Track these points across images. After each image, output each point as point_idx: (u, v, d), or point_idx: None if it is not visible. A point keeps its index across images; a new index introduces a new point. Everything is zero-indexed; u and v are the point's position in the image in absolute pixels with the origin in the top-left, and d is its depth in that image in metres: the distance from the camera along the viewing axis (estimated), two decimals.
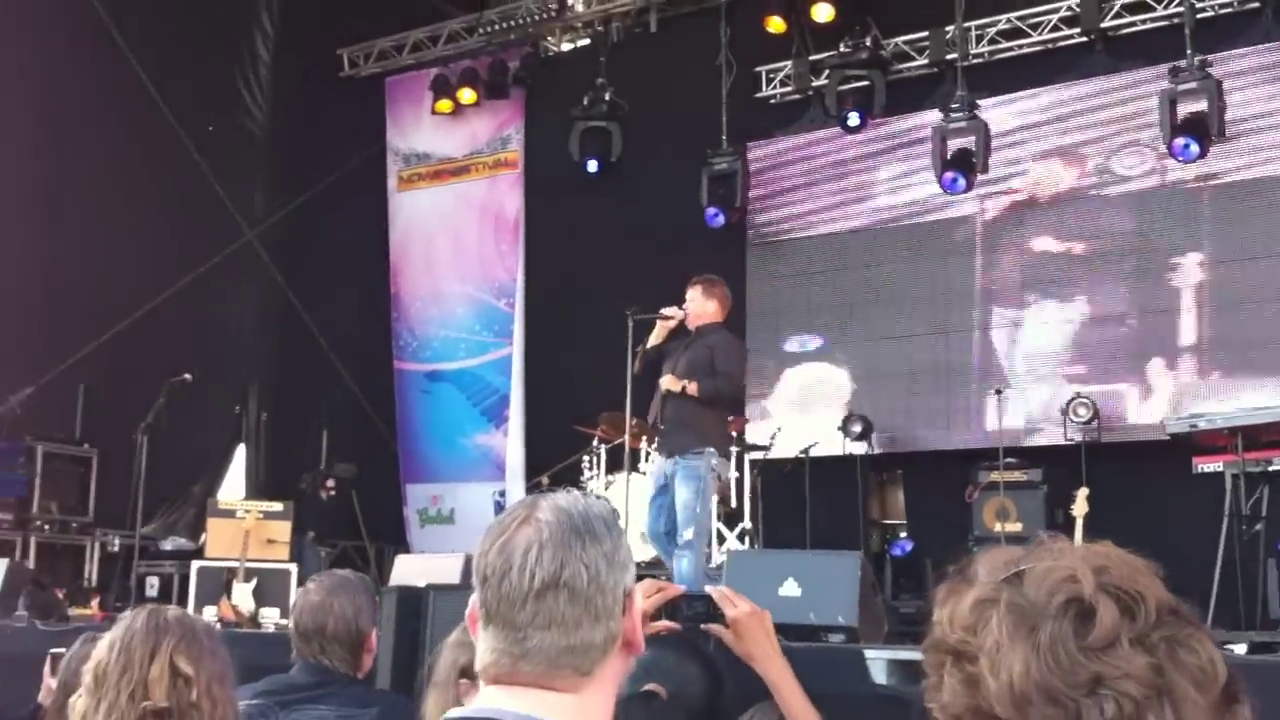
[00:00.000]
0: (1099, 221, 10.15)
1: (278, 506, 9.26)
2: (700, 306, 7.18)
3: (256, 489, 11.73)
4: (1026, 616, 1.01)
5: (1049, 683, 0.97)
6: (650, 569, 7.85)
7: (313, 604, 3.30)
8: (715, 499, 7.89)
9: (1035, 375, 10.11)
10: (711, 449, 6.96)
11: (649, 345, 7.11)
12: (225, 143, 12.34)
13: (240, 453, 12.38)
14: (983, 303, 10.53)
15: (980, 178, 9.96)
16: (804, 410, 10.94)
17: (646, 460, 9.06)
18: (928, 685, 1.07)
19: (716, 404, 7.06)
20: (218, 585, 8.49)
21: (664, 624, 2.32)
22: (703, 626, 2.45)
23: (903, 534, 10.00)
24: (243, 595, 8.30)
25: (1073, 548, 1.06)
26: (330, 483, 11.52)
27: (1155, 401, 9.62)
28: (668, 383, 6.98)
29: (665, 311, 7.08)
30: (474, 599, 1.62)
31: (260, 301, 12.69)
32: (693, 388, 6.92)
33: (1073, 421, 9.13)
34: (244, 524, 8.76)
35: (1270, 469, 7.00)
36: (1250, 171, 9.56)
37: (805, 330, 11.30)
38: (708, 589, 2.51)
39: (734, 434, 9.55)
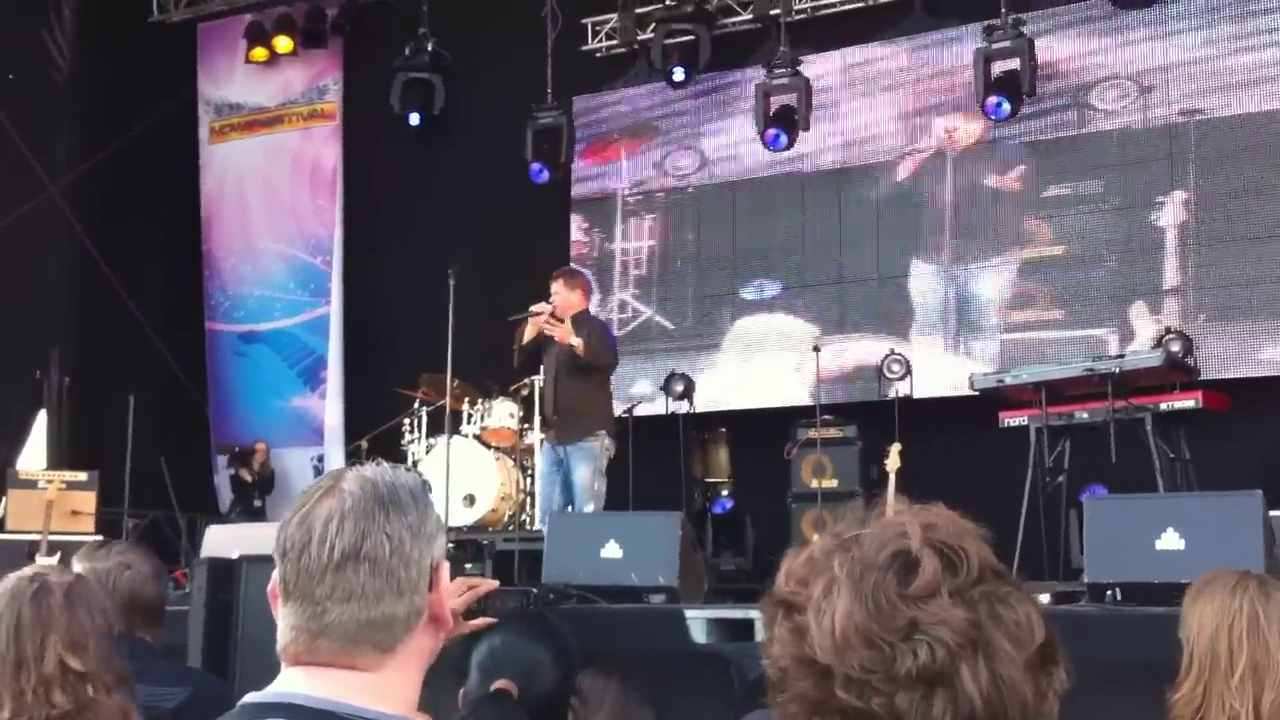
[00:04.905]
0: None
1: (82, 476, 8.86)
2: (565, 299, 7.50)
3: (59, 458, 11.19)
4: (855, 567, 1.04)
5: (868, 627, 1.01)
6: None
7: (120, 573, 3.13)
8: None
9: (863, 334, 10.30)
10: (603, 430, 7.48)
11: (524, 342, 7.48)
12: (26, 92, 11.73)
13: (41, 419, 11.81)
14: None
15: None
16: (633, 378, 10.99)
17: (468, 422, 9.08)
18: (764, 642, 1.10)
19: (599, 371, 7.49)
20: (19, 559, 8.06)
21: (482, 620, 2.30)
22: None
23: (724, 492, 10.13)
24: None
25: (909, 510, 1.10)
26: (258, 454, 11.50)
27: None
28: (561, 334, 7.27)
29: (535, 309, 7.40)
30: (274, 575, 1.56)
31: (62, 260, 12.09)
32: (580, 345, 7.27)
33: (886, 378, 9.35)
34: (46, 494, 8.37)
35: (1072, 422, 7.30)
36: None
37: (636, 288, 11.34)
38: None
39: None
